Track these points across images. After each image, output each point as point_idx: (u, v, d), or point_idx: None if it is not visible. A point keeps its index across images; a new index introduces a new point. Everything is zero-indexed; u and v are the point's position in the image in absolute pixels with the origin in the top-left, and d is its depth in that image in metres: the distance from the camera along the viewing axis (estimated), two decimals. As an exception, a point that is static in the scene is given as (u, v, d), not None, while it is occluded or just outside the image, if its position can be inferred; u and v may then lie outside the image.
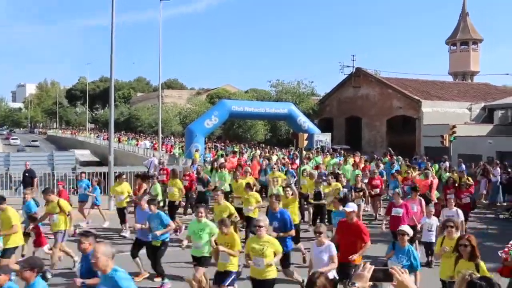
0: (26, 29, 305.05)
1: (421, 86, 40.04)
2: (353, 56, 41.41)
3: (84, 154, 52.81)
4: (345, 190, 14.33)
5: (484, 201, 18.73)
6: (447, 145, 24.16)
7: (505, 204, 17.68)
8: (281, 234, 8.57)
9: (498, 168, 18.39)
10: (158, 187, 14.24)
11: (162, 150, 33.80)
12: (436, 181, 15.76)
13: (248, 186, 12.02)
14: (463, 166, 20.52)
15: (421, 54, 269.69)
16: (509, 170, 18.14)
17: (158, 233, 8.85)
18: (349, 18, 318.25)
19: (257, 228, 6.91)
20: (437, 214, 12.72)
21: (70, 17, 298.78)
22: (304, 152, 23.30)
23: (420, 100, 34.41)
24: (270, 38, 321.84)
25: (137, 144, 40.34)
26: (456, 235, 7.63)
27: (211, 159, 23.74)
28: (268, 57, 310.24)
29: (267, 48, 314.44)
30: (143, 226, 9.12)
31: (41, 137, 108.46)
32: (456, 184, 14.75)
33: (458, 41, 64.35)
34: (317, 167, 18.95)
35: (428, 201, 13.40)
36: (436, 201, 14.35)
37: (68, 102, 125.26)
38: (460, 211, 11.19)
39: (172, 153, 32.15)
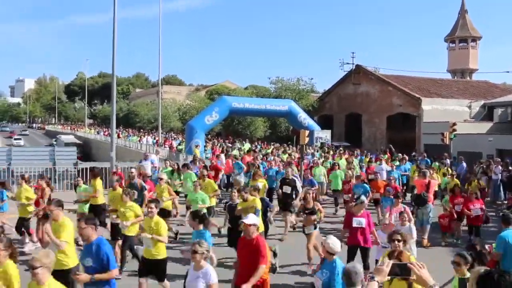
0: (25, 24, 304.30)
1: (421, 83, 40.08)
2: (353, 53, 41.37)
3: (68, 138, 63.13)
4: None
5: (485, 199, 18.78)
6: (447, 143, 24.27)
7: (505, 202, 17.74)
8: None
9: (500, 166, 18.45)
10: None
11: (165, 147, 33.68)
12: (434, 182, 14.83)
13: (126, 193, 9.58)
14: (464, 164, 20.58)
15: (420, 51, 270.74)
16: (510, 168, 18.18)
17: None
18: (349, 16, 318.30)
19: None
20: (450, 228, 12.57)
21: (69, 12, 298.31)
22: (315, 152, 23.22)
23: (420, 97, 34.46)
24: (270, 35, 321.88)
25: (139, 140, 40.24)
26: (407, 253, 6.53)
27: (211, 155, 23.70)
28: (268, 54, 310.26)
29: (267, 45, 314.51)
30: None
31: (39, 132, 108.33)
32: (466, 193, 12.89)
33: (457, 39, 64.30)
34: (332, 168, 17.97)
35: (423, 201, 12.66)
36: (433, 203, 13.44)
37: (67, 97, 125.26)
38: (413, 228, 9.25)
39: (176, 149, 31.99)
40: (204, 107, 42.27)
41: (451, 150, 24.02)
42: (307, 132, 19.89)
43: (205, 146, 29.04)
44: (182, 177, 14.89)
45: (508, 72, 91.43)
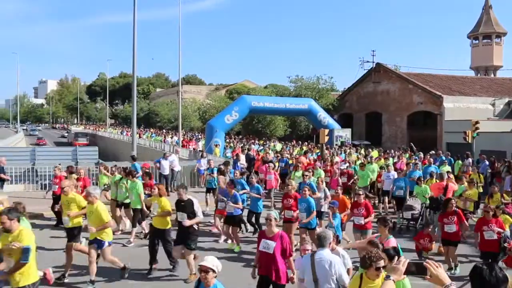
0: (47, 26, 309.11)
1: (442, 81, 39.55)
2: (373, 51, 41.07)
3: (78, 129, 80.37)
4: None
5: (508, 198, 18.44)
6: (469, 141, 23.87)
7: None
8: None
9: (524, 165, 18.05)
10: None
11: (189, 147, 33.71)
12: (454, 186, 13.96)
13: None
14: (486, 162, 20.23)
15: (442, 49, 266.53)
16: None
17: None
18: (369, 14, 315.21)
19: None
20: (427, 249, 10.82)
21: (90, 14, 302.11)
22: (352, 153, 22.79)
23: (442, 95, 33.99)
24: (289, 34, 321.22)
25: (163, 140, 40.53)
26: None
27: (232, 155, 23.73)
28: (287, 53, 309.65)
29: (286, 44, 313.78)
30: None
31: (60, 132, 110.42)
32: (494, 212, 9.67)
33: (481, 35, 63.16)
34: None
35: (436, 207, 11.81)
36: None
37: (89, 98, 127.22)
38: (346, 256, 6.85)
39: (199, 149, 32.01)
40: (224, 107, 42.41)
41: (474, 149, 23.63)
42: (326, 131, 19.96)
43: (225, 147, 29.15)
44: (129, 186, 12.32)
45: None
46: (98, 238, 8.50)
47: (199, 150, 29.03)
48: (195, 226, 9.04)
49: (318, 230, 10.11)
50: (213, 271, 4.96)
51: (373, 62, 40.67)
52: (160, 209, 9.43)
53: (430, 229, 10.87)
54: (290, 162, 19.87)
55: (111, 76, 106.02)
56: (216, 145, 27.24)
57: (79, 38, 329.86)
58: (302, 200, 10.58)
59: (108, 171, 14.40)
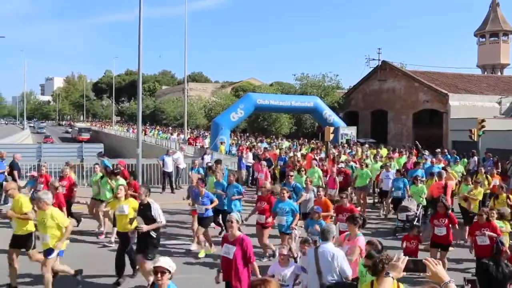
0: (53, 24, 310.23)
1: (448, 79, 39.38)
2: (379, 49, 41.03)
3: (81, 124, 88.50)
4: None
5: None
6: (475, 140, 23.77)
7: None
8: None
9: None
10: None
11: (197, 144, 33.54)
12: (452, 183, 13.84)
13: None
14: (492, 161, 20.13)
15: (448, 47, 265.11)
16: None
17: None
18: (376, 12, 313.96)
19: None
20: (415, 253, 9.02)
21: (96, 12, 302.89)
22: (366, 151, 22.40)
23: (448, 93, 33.86)
24: (294, 32, 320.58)
25: (170, 138, 40.31)
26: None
27: (237, 153, 23.69)
28: (292, 51, 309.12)
29: (291, 42, 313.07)
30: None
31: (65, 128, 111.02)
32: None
33: (488, 33, 62.77)
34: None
35: (434, 207, 10.89)
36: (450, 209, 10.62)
37: (95, 95, 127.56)
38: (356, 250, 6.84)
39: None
40: (229, 104, 42.41)
41: (480, 147, 23.53)
42: (331, 128, 19.91)
43: (230, 144, 29.15)
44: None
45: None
46: (51, 247, 7.69)
47: (206, 148, 29.09)
48: (153, 234, 8.15)
49: (295, 232, 9.94)
50: (169, 271, 4.77)
51: (379, 60, 40.62)
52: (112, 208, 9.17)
53: (415, 232, 9.38)
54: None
55: (117, 74, 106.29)
56: (221, 143, 27.30)
57: (85, 36, 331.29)
58: (280, 202, 9.86)
59: (74, 171, 13.47)
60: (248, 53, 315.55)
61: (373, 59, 40.80)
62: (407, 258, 3.34)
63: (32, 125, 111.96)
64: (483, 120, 23.97)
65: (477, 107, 33.21)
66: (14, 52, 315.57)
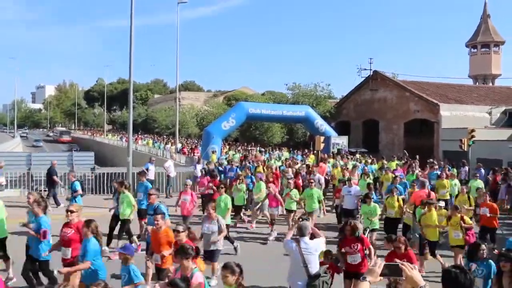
0: (45, 31, 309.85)
1: (439, 89, 39.67)
2: (371, 59, 41.19)
3: (63, 129, 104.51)
4: None
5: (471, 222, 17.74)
6: (465, 149, 23.92)
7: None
8: None
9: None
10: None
11: (194, 155, 33.16)
12: (434, 194, 13.34)
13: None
14: (482, 171, 20.17)
15: (440, 57, 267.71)
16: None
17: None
18: (367, 22, 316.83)
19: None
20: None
21: (87, 19, 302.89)
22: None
23: (438, 103, 34.08)
24: (286, 41, 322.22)
25: (164, 148, 40.03)
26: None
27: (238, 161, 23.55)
28: (285, 60, 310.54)
29: (283, 52, 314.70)
30: None
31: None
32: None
33: (479, 44, 63.54)
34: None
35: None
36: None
37: (86, 103, 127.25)
38: None
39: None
40: (221, 113, 42.41)
41: (470, 157, 23.66)
42: (322, 138, 19.93)
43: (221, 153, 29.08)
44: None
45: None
46: None
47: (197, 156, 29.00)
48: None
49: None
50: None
51: (370, 69, 40.80)
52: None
53: (328, 258, 7.75)
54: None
55: (109, 82, 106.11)
56: (213, 152, 27.26)
57: (77, 44, 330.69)
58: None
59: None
60: (240, 63, 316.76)
61: (365, 69, 40.98)
62: (383, 263, 3.36)
63: (24, 135, 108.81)
64: (473, 130, 24.15)
65: (467, 117, 33.42)
66: (4, 59, 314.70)
